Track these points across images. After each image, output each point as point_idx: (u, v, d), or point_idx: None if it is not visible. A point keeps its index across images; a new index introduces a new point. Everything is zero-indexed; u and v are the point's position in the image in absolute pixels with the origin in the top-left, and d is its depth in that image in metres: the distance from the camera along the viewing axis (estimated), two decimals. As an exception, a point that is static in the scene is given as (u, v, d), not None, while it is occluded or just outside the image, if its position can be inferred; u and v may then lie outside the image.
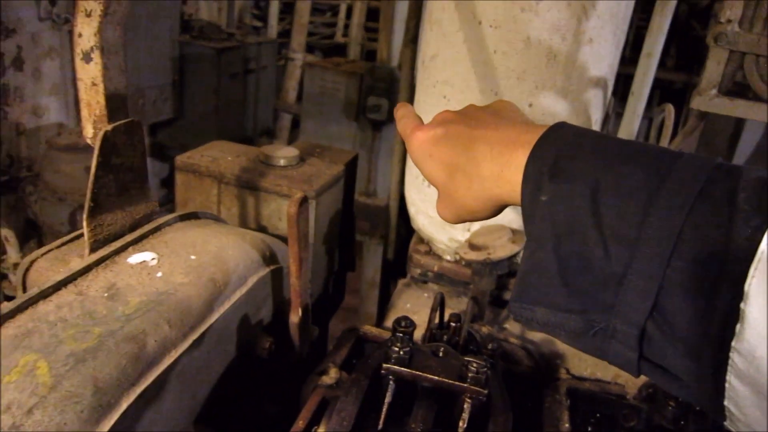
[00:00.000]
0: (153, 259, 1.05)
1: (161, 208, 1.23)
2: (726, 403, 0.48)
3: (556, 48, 1.39)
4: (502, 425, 1.08)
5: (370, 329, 1.47)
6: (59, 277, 0.94)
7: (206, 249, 1.12)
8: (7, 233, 2.84)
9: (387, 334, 1.43)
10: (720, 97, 1.53)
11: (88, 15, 0.92)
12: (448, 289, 1.74)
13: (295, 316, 1.23)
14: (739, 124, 3.08)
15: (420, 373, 1.05)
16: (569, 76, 1.44)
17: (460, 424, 1.02)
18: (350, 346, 1.40)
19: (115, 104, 1.00)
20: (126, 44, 1.01)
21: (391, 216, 2.23)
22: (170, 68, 4.19)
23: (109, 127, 1.00)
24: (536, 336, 1.60)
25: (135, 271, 1.01)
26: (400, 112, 0.85)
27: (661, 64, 1.80)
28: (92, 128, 1.01)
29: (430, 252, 1.79)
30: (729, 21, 1.43)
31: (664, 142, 1.79)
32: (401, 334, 1.09)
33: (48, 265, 1.10)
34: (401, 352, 1.06)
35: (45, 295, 0.90)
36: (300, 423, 1.11)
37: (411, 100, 1.89)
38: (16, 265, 2.91)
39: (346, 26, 6.12)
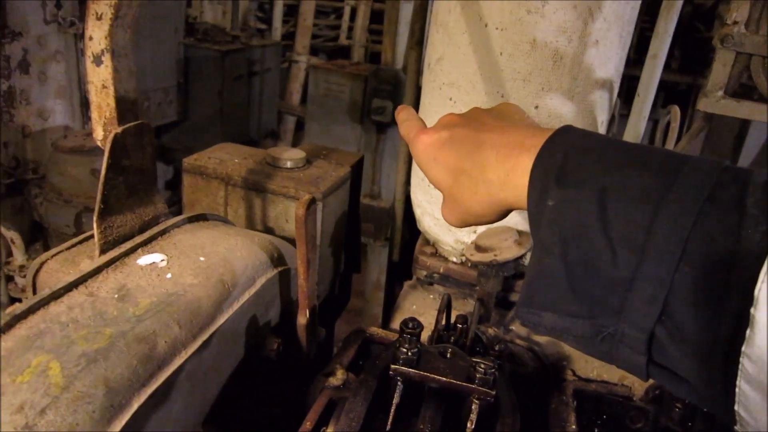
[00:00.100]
0: (162, 260, 1.05)
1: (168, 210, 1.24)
2: (737, 408, 0.48)
3: (563, 50, 1.40)
4: (510, 426, 1.08)
5: (376, 331, 1.47)
6: (70, 278, 0.94)
7: (215, 250, 1.12)
8: (13, 235, 2.85)
9: (393, 336, 1.43)
10: (726, 98, 1.53)
11: (99, 18, 0.93)
12: (454, 290, 1.74)
13: (302, 318, 1.23)
14: (744, 125, 3.08)
15: (428, 374, 1.06)
16: (575, 78, 1.44)
17: (468, 425, 1.02)
18: (357, 348, 1.40)
19: (125, 107, 1.01)
20: (132, 47, 1.02)
21: (397, 218, 2.24)
22: (175, 71, 4.20)
23: (119, 130, 1.00)
24: (542, 338, 1.60)
25: (145, 273, 1.01)
26: (402, 115, 0.85)
27: (666, 66, 1.80)
28: (102, 130, 1.01)
29: (436, 254, 1.79)
30: (735, 23, 1.43)
31: (670, 144, 1.79)
32: (409, 335, 1.10)
33: (58, 267, 1.11)
34: (409, 353, 1.06)
35: (56, 296, 0.91)
36: (307, 424, 1.11)
37: (416, 102, 1.89)
38: (22, 267, 2.92)
39: (350, 28, 6.12)
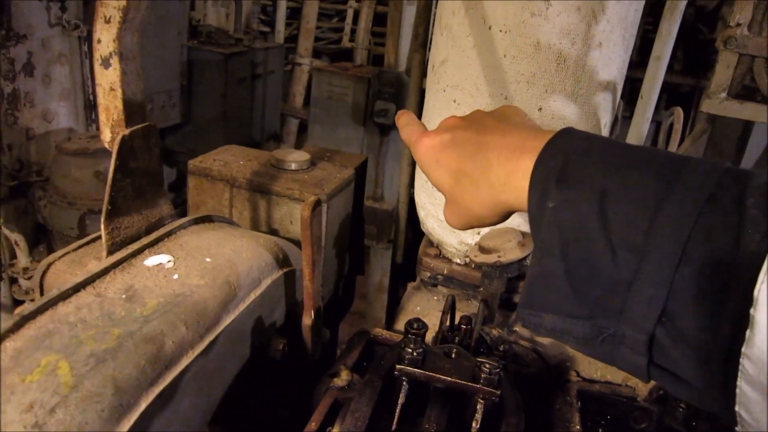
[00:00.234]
0: (169, 261, 1.06)
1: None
2: (737, 408, 0.48)
3: (566, 52, 1.40)
4: (515, 426, 1.08)
5: (380, 332, 1.47)
6: (78, 279, 0.95)
7: (221, 252, 1.13)
8: (17, 237, 2.85)
9: (397, 337, 1.44)
10: (729, 100, 1.54)
11: (108, 21, 0.94)
12: (457, 292, 1.75)
13: (308, 319, 1.24)
14: (747, 126, 3.08)
15: (433, 374, 1.06)
16: (579, 80, 1.45)
17: (473, 424, 1.03)
18: (361, 349, 1.40)
19: (132, 109, 1.01)
20: (137, 50, 1.03)
21: (400, 220, 2.24)
22: (178, 73, 4.21)
23: (127, 132, 1.01)
24: (546, 339, 1.60)
25: (152, 273, 1.02)
26: (403, 119, 0.85)
27: (669, 68, 1.81)
28: (110, 133, 1.02)
29: (440, 255, 1.80)
30: (738, 25, 1.43)
31: (673, 146, 1.79)
32: (414, 336, 1.10)
33: (65, 268, 1.12)
34: (414, 353, 1.07)
35: (64, 296, 0.92)
36: (312, 425, 1.11)
37: (420, 104, 1.90)
38: (25, 270, 2.92)
39: (353, 31, 6.13)
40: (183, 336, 0.93)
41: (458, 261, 1.75)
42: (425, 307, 1.77)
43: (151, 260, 1.05)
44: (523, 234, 1.57)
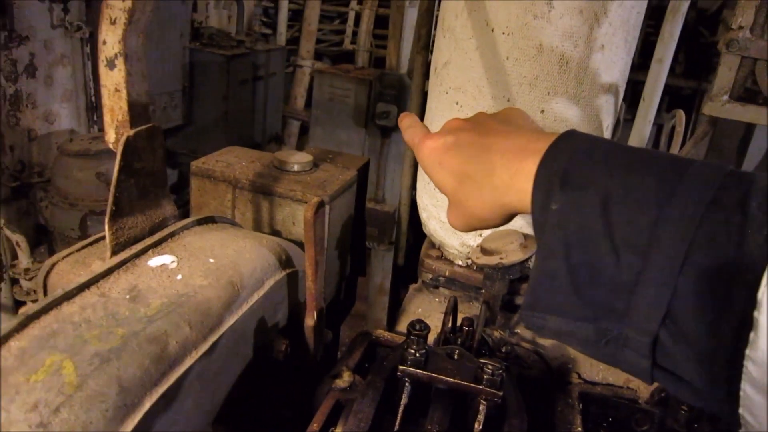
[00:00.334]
0: (173, 262, 1.06)
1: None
2: (741, 411, 0.48)
3: (568, 54, 1.41)
4: (517, 428, 1.09)
5: (382, 333, 1.48)
6: (82, 279, 0.95)
7: (224, 252, 1.13)
8: (19, 238, 2.86)
9: (399, 339, 1.44)
10: (731, 102, 1.54)
11: (113, 23, 0.94)
12: (459, 293, 1.75)
13: (310, 320, 1.24)
14: (749, 129, 3.08)
15: (436, 375, 1.06)
16: (581, 83, 1.45)
17: (476, 426, 1.03)
18: (363, 350, 1.41)
19: (137, 110, 1.02)
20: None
21: (402, 221, 2.24)
22: (180, 75, 4.22)
23: (131, 133, 1.01)
24: (547, 341, 1.60)
25: (155, 274, 1.02)
26: (405, 121, 0.85)
27: (670, 71, 1.81)
28: (114, 133, 1.02)
29: (442, 257, 1.80)
30: (740, 27, 1.44)
31: (675, 148, 1.80)
32: (416, 337, 1.10)
33: (69, 268, 1.12)
34: (417, 354, 1.07)
35: (69, 296, 0.92)
36: (314, 426, 1.11)
37: (422, 106, 1.90)
38: (27, 270, 2.93)
39: (355, 33, 6.13)
40: (187, 336, 0.94)
41: (460, 263, 1.76)
42: (427, 309, 1.78)
43: (155, 261, 1.06)
44: (525, 236, 1.57)
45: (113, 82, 0.99)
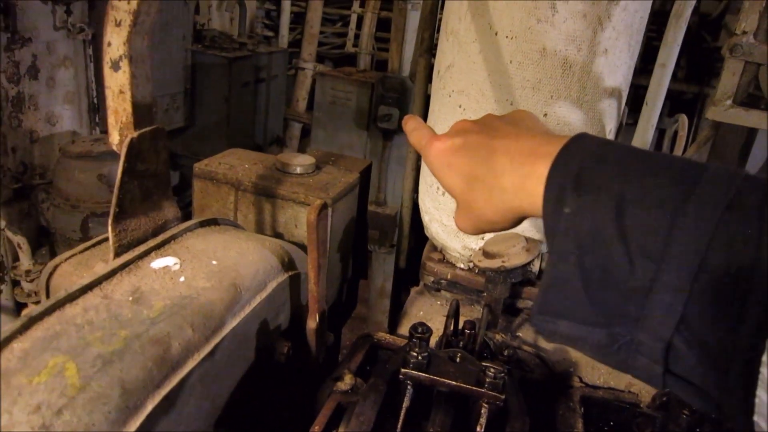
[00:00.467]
0: (176, 264, 1.06)
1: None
2: (756, 418, 0.47)
3: (572, 58, 1.41)
4: (519, 430, 1.09)
5: (384, 336, 1.48)
6: (85, 280, 0.95)
7: (227, 254, 1.13)
8: (20, 240, 2.86)
9: (401, 342, 1.44)
10: (734, 107, 1.54)
11: (118, 25, 0.94)
12: (461, 296, 1.75)
13: (312, 322, 1.24)
14: (751, 134, 3.08)
15: (438, 378, 1.06)
16: (584, 87, 1.45)
17: (478, 429, 1.03)
18: (364, 353, 1.41)
19: (141, 112, 1.02)
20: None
21: (404, 224, 2.24)
22: (182, 77, 4.22)
23: (135, 134, 1.01)
24: (549, 344, 1.60)
25: (158, 276, 1.02)
26: (411, 124, 0.84)
27: (673, 75, 1.81)
28: (118, 135, 1.03)
29: (444, 260, 1.80)
30: (744, 32, 1.44)
31: (678, 153, 1.80)
32: (418, 340, 1.10)
33: (72, 270, 1.12)
34: (419, 357, 1.07)
35: (72, 298, 0.92)
36: (316, 428, 1.11)
37: (425, 109, 1.91)
38: (28, 272, 2.93)
39: (357, 36, 6.14)
40: (189, 338, 0.94)
41: (462, 266, 1.75)
42: (428, 312, 1.78)
43: (158, 262, 1.06)
44: (527, 239, 1.57)
45: (118, 83, 0.99)
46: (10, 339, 0.81)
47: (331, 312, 1.64)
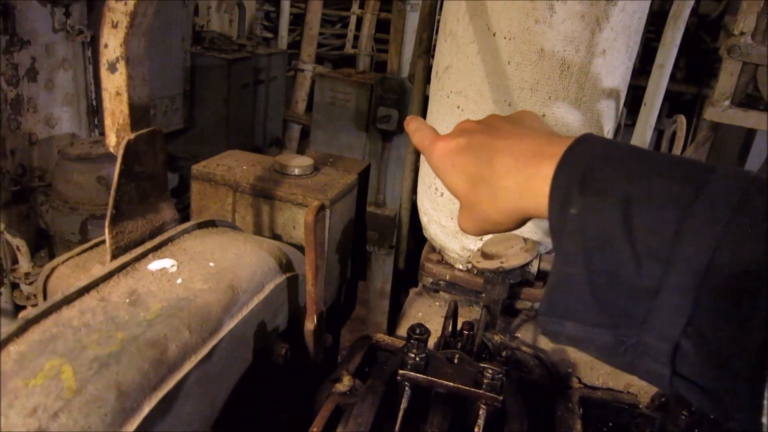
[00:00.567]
0: (173, 265, 1.06)
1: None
2: (764, 420, 0.47)
3: (570, 59, 1.41)
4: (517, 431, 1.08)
5: (382, 337, 1.47)
6: (82, 283, 0.95)
7: (224, 256, 1.13)
8: (19, 243, 2.86)
9: (399, 343, 1.44)
10: (733, 108, 1.54)
11: (115, 26, 0.94)
12: (459, 297, 1.75)
13: (310, 324, 1.24)
14: (749, 134, 3.09)
15: (436, 380, 1.06)
16: (582, 87, 1.45)
17: (476, 430, 1.03)
18: (363, 354, 1.40)
19: (138, 114, 1.02)
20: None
21: (403, 225, 2.24)
22: (181, 79, 4.22)
23: (132, 136, 1.01)
24: (548, 345, 1.60)
25: (155, 278, 1.02)
26: (413, 125, 0.84)
27: (671, 76, 1.82)
28: (115, 137, 1.02)
29: (442, 261, 1.80)
30: (742, 33, 1.44)
31: (676, 153, 1.79)
32: (416, 341, 1.10)
33: (69, 272, 1.12)
34: (417, 359, 1.07)
35: (68, 300, 0.92)
36: (314, 430, 1.11)
37: (423, 110, 1.91)
38: (27, 275, 2.93)
39: (356, 37, 6.14)
40: (186, 340, 0.93)
41: (460, 267, 1.75)
42: (427, 313, 1.78)
43: (155, 264, 1.06)
44: (526, 240, 1.57)
45: (114, 85, 0.99)
46: (6, 342, 0.81)
47: (330, 313, 1.64)
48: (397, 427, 1.04)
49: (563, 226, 0.57)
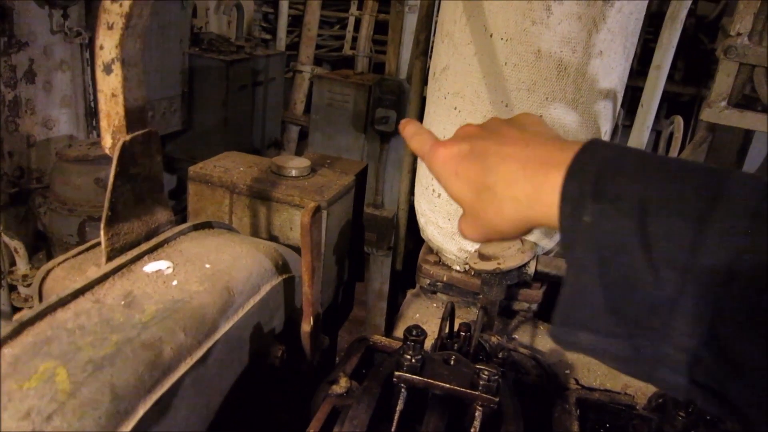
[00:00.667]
0: (168, 267, 1.06)
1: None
2: None
3: (567, 60, 1.41)
4: (514, 434, 1.08)
5: (379, 339, 1.47)
6: (77, 285, 0.95)
7: (220, 258, 1.13)
8: (17, 245, 2.85)
9: (396, 344, 1.43)
10: (730, 109, 1.54)
11: (110, 28, 0.94)
12: (457, 299, 1.75)
13: (306, 325, 1.23)
14: (747, 135, 3.09)
15: (432, 381, 1.06)
16: (579, 88, 1.45)
17: (471, 431, 1.03)
18: (360, 356, 1.40)
19: (133, 115, 1.02)
20: (138, 56, 1.03)
21: (400, 227, 2.24)
22: (180, 80, 4.22)
23: (128, 138, 1.01)
24: (545, 346, 1.60)
25: (151, 280, 1.02)
26: (410, 129, 0.82)
27: (669, 77, 1.81)
28: (111, 138, 1.02)
29: (440, 262, 1.80)
30: (739, 34, 1.44)
31: (674, 154, 1.80)
32: (413, 343, 1.10)
33: (64, 274, 1.11)
34: (413, 360, 1.06)
35: (63, 302, 0.91)
36: (311, 431, 1.11)
37: (421, 111, 1.91)
38: (25, 277, 2.92)
39: (354, 39, 6.14)
40: (181, 342, 0.93)
41: (458, 268, 1.75)
42: (424, 314, 1.77)
43: (151, 266, 1.05)
44: (523, 241, 1.57)
45: (110, 87, 0.98)
46: (1, 344, 0.81)
47: (327, 315, 1.63)
48: (393, 429, 1.04)
49: (575, 235, 0.56)
